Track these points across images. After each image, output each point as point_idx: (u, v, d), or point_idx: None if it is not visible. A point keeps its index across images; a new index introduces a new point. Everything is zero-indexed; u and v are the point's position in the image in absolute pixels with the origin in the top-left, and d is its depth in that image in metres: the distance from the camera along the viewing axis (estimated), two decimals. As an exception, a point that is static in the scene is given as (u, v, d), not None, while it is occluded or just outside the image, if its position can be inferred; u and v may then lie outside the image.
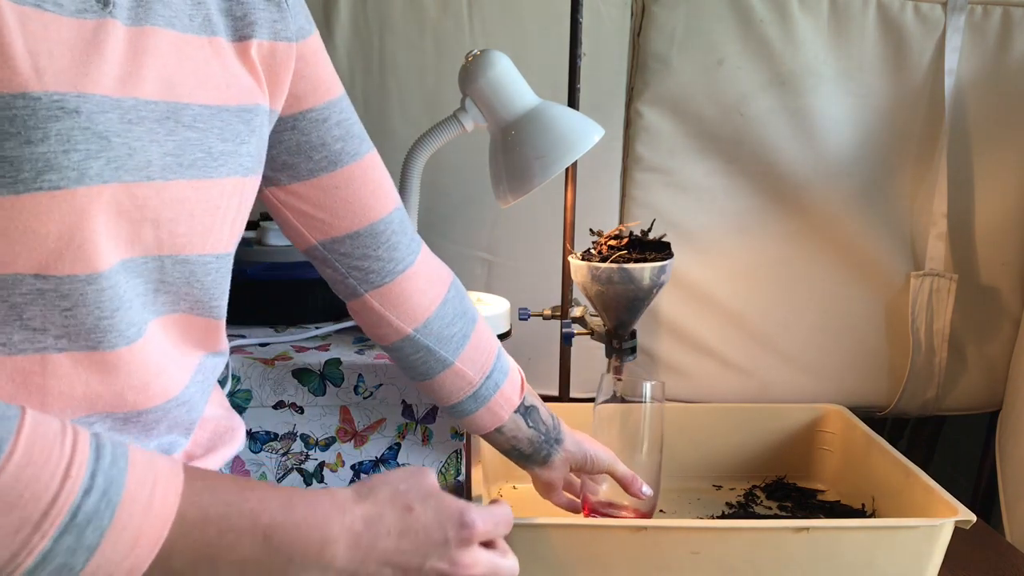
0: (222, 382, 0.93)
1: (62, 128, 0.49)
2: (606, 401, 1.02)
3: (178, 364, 0.62)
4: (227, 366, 0.93)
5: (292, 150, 0.70)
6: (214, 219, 0.59)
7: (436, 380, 0.83)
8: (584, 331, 1.17)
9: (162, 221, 0.56)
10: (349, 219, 0.74)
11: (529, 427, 0.90)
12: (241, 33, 0.62)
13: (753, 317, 1.41)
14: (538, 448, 0.91)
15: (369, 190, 0.74)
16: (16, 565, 0.45)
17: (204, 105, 0.58)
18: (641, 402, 1.01)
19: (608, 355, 1.10)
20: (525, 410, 0.89)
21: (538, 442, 0.90)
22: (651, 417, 1.01)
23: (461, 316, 0.84)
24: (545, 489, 0.95)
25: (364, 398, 0.95)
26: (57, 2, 0.51)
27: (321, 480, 0.97)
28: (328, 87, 0.70)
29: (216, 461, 0.67)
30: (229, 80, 0.60)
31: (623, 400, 1.02)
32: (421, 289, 0.80)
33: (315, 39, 0.69)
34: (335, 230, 0.74)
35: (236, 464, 0.96)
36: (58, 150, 0.49)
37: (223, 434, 0.69)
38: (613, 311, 1.05)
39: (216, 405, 0.71)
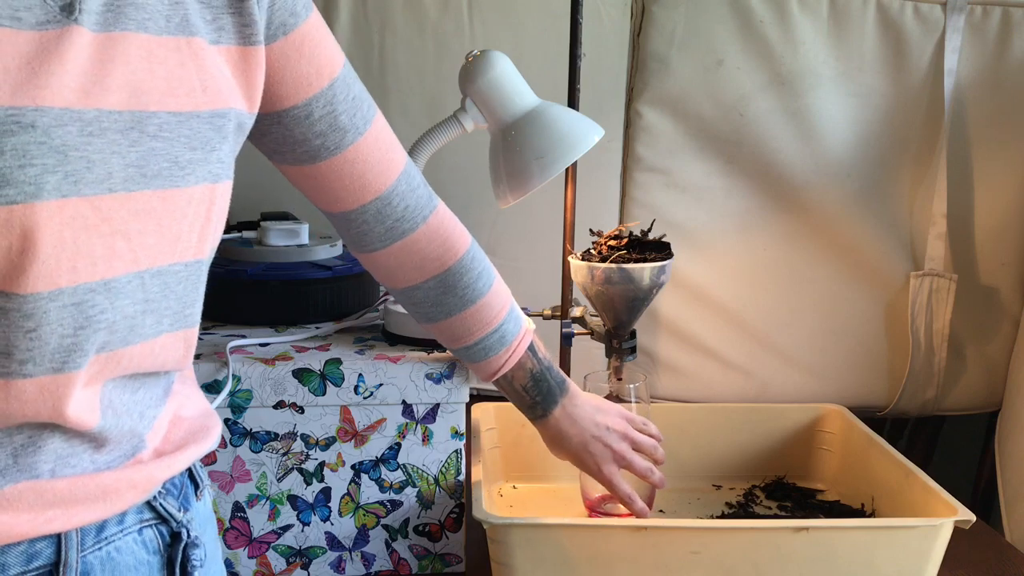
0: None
1: (18, 143, 0.49)
2: None
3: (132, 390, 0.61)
4: (227, 366, 0.93)
5: (279, 141, 0.71)
6: (181, 227, 0.58)
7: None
8: (584, 331, 1.17)
9: (132, 234, 0.55)
10: (330, 203, 0.78)
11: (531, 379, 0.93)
12: (213, 37, 0.61)
13: (753, 317, 1.41)
14: (534, 402, 0.94)
15: (343, 184, 0.75)
16: None
17: (173, 112, 0.56)
18: (630, 402, 1.02)
19: (608, 355, 1.10)
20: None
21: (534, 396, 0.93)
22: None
23: (447, 294, 0.86)
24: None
25: (364, 398, 0.95)
26: (15, 17, 0.50)
27: (322, 480, 0.97)
28: (309, 82, 0.68)
29: (186, 459, 0.66)
30: (205, 83, 0.59)
31: (618, 399, 1.03)
32: (406, 265, 0.84)
33: (297, 34, 0.66)
34: (324, 205, 0.79)
35: (236, 464, 0.96)
36: (13, 164, 0.49)
37: (196, 432, 0.68)
38: (613, 311, 1.05)
39: (192, 406, 0.70)
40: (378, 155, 0.76)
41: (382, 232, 0.81)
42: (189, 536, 0.67)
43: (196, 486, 0.70)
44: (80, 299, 0.53)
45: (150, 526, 0.64)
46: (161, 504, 0.65)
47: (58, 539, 0.57)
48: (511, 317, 0.89)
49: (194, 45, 0.58)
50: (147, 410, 0.62)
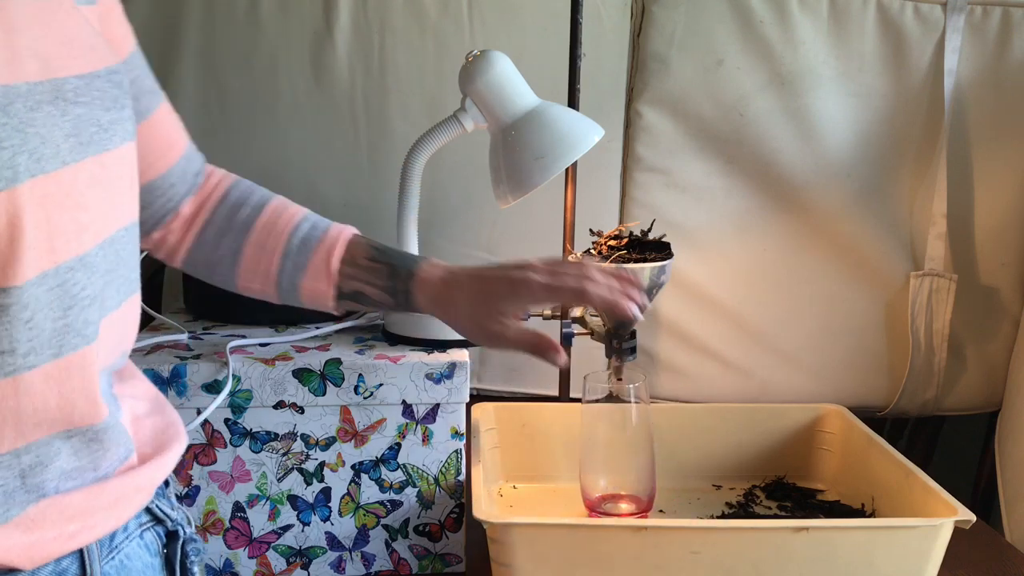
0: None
1: None
2: (593, 401, 1.04)
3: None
4: (227, 366, 0.93)
5: None
6: (120, 190, 0.58)
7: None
8: (584, 331, 1.17)
9: (89, 204, 0.54)
10: (146, 170, 0.74)
11: (367, 305, 0.82)
12: None
13: (753, 317, 1.41)
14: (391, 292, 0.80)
15: (158, 144, 0.74)
16: None
17: (78, 75, 0.55)
18: (628, 402, 1.03)
19: (608, 355, 1.10)
20: (349, 297, 0.81)
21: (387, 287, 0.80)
22: (637, 417, 1.03)
23: (241, 207, 0.81)
24: (473, 328, 0.79)
25: (364, 398, 0.95)
26: None
27: (322, 480, 0.97)
28: (125, 42, 0.68)
29: (172, 457, 0.65)
30: (91, 41, 0.58)
31: (618, 399, 1.03)
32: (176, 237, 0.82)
33: None
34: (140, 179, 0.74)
35: (236, 464, 0.96)
36: None
37: (164, 429, 0.67)
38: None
39: (143, 406, 0.67)
40: (174, 117, 0.77)
41: (190, 179, 0.79)
42: (186, 533, 0.67)
43: (166, 484, 0.69)
44: (63, 279, 0.52)
45: (149, 529, 0.65)
46: (157, 505, 0.65)
47: (80, 555, 0.57)
48: (315, 214, 0.83)
49: (65, 5, 0.57)
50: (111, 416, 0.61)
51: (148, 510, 0.65)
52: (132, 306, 0.61)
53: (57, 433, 0.55)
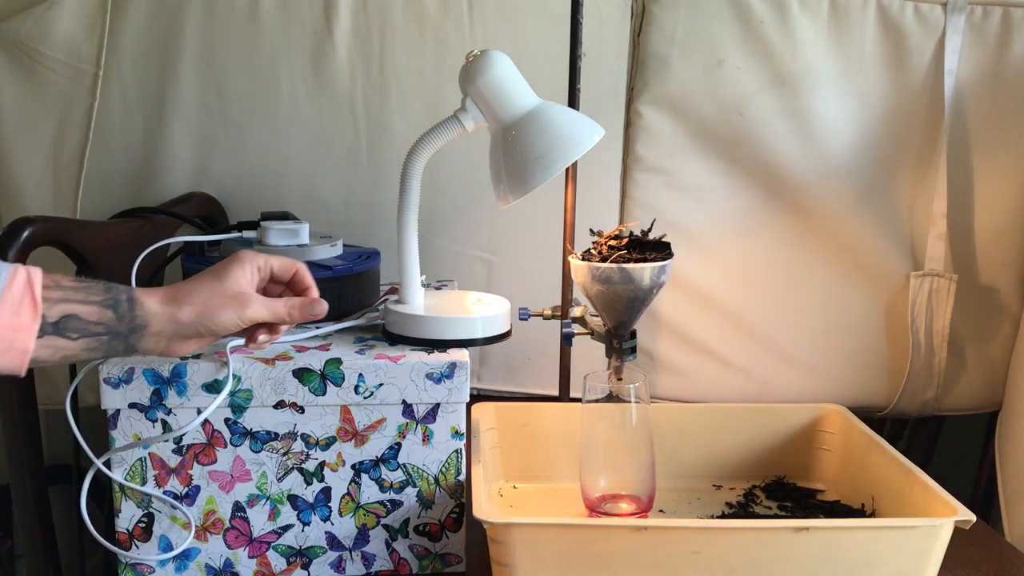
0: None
1: None
2: (593, 401, 1.04)
3: None
4: (227, 366, 0.93)
5: None
6: None
7: None
8: (584, 331, 1.17)
9: None
10: None
11: (77, 339, 0.69)
12: None
13: (753, 317, 1.41)
14: (113, 347, 0.73)
15: None
16: None
17: None
18: (628, 402, 1.03)
19: (608, 355, 1.10)
20: (55, 327, 0.68)
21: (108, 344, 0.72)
22: (637, 417, 1.03)
23: None
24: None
25: (364, 398, 0.95)
26: None
27: (322, 479, 0.97)
28: None
29: None
30: None
31: (618, 399, 1.04)
32: None
33: None
34: None
35: (236, 464, 0.96)
36: None
37: None
38: (613, 311, 1.05)
39: None
40: None
41: None
42: None
43: None
44: None
45: None
46: None
47: None
48: None
49: None
50: None
51: None
52: None
53: None
